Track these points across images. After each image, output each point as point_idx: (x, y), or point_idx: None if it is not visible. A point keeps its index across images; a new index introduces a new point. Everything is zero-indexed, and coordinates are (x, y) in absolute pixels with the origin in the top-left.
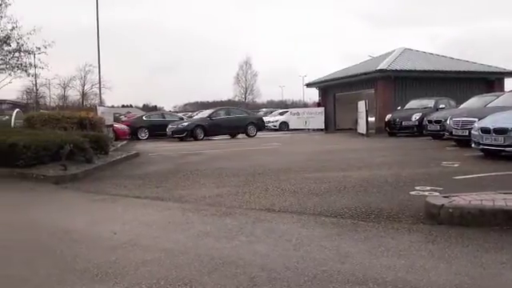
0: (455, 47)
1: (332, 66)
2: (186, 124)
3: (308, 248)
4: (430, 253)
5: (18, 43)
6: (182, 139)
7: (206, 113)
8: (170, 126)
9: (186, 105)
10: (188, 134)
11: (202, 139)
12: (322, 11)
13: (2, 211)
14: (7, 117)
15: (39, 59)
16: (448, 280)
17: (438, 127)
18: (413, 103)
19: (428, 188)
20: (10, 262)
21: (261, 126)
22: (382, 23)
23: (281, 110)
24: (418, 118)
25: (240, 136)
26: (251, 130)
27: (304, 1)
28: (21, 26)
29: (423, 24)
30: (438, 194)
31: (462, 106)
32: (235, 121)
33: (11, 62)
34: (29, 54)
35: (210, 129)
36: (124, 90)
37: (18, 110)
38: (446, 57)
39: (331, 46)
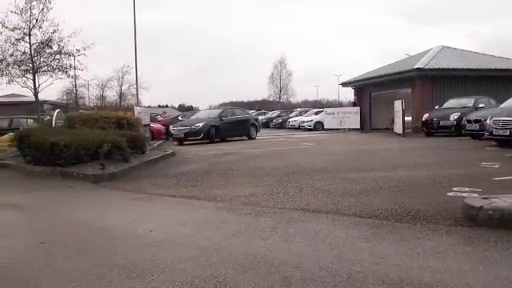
0: (496, 45)
1: (369, 64)
2: (200, 125)
3: (343, 248)
4: (468, 255)
5: (59, 46)
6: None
7: (213, 112)
8: (174, 128)
9: (220, 105)
10: (204, 135)
11: (216, 141)
12: (358, 8)
13: (44, 209)
14: (48, 117)
15: (79, 61)
16: (487, 284)
17: (478, 127)
18: (451, 102)
19: (466, 189)
20: (54, 257)
21: (259, 127)
22: (420, 20)
23: (315, 110)
24: (456, 117)
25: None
26: (253, 131)
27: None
28: (62, 29)
29: (463, 21)
30: (476, 195)
31: (502, 105)
32: (242, 122)
33: (52, 64)
34: (69, 56)
35: (222, 130)
36: (160, 90)
37: (58, 110)
38: (485, 54)
39: (368, 44)
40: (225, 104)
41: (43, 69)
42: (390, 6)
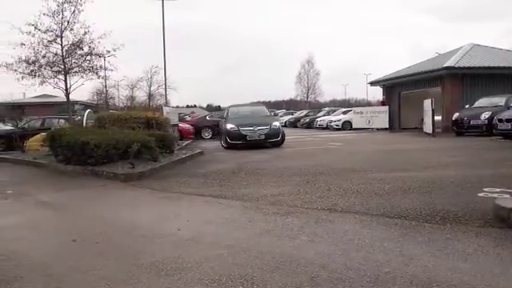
0: None
1: (399, 63)
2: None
3: (370, 249)
4: (499, 257)
5: (89, 47)
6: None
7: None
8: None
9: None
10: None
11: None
12: (388, 7)
13: (75, 207)
14: (79, 117)
15: (109, 62)
16: None
17: (510, 126)
18: (482, 101)
19: (497, 190)
20: (84, 253)
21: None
22: (453, 18)
23: (343, 109)
24: (487, 116)
25: None
26: None
27: None
28: (92, 31)
29: (498, 19)
30: (508, 196)
31: None
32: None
33: (83, 65)
34: (99, 57)
35: None
36: (189, 90)
37: (89, 110)
38: None
39: (399, 42)
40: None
41: (74, 70)
42: (422, 5)
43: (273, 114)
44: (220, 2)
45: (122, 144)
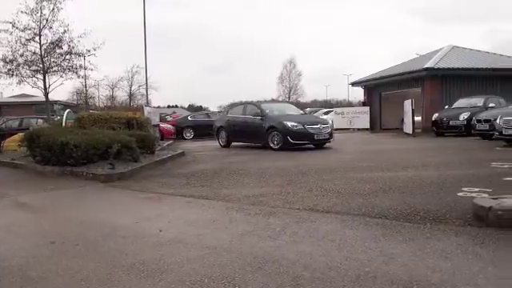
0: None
1: (382, 63)
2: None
3: (352, 248)
4: (478, 256)
5: (69, 46)
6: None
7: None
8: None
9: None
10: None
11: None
12: (371, 7)
13: (54, 208)
14: (59, 117)
15: (89, 61)
16: (496, 285)
17: (488, 127)
18: (461, 102)
19: (476, 189)
20: (63, 256)
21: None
22: (436, 19)
23: (325, 110)
24: (466, 117)
25: None
26: None
27: None
28: (72, 30)
29: (480, 20)
30: (486, 195)
31: None
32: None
33: (63, 64)
34: (79, 56)
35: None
36: (170, 90)
37: (68, 110)
38: (495, 54)
39: (381, 43)
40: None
41: (53, 69)
42: (405, 6)
43: None
44: (203, 3)
45: (102, 144)
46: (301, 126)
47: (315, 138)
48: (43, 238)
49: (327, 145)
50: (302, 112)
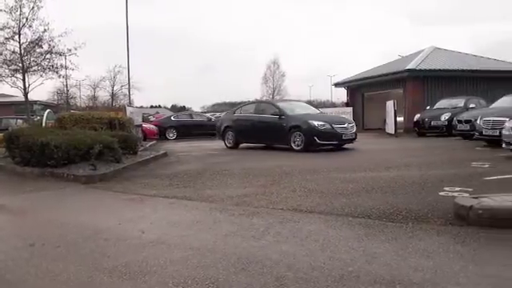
0: (498, 47)
1: (365, 64)
2: None
3: (335, 248)
4: (459, 254)
5: (49, 45)
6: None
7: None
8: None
9: (214, 105)
10: None
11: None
12: (355, 8)
13: (34, 210)
14: (39, 117)
15: (70, 61)
16: (477, 283)
17: (468, 127)
18: (442, 103)
19: (457, 189)
20: (43, 258)
21: None
22: (423, 21)
23: None
24: (447, 117)
25: None
26: None
27: None
28: (53, 29)
29: (465, 22)
30: (467, 194)
31: (492, 105)
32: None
33: (43, 63)
34: (60, 55)
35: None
36: (153, 90)
37: (49, 110)
38: (476, 56)
39: (365, 44)
40: (218, 105)
41: (33, 68)
42: (391, 7)
43: None
44: (188, 4)
45: (84, 145)
46: (328, 126)
47: (343, 137)
48: (22, 241)
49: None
50: (318, 111)
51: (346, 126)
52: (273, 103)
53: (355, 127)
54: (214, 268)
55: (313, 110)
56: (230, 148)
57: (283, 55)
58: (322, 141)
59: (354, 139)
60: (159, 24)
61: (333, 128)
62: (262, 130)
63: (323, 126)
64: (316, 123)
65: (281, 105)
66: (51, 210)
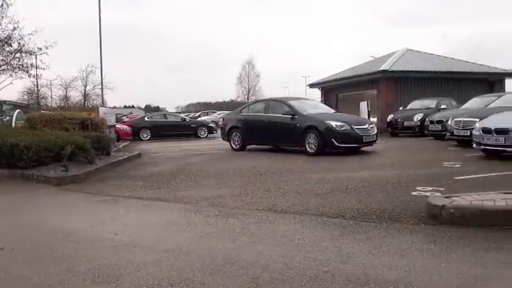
0: (467, 47)
1: (340, 65)
2: None
3: (310, 248)
4: (432, 253)
5: (19, 44)
6: None
7: None
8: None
9: (188, 105)
10: None
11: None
12: (332, 10)
13: (3, 213)
14: (8, 118)
15: (41, 60)
16: (449, 280)
17: (440, 127)
18: (415, 103)
19: (429, 188)
20: (13, 261)
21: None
22: (395, 22)
23: None
24: (419, 118)
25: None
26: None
27: (312, 0)
28: (22, 27)
29: (437, 23)
30: (439, 194)
31: (463, 106)
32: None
33: (12, 62)
34: (30, 54)
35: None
36: (126, 90)
37: (18, 110)
38: (447, 57)
39: (341, 46)
40: (193, 105)
41: (2, 68)
42: (364, 9)
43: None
44: (161, 4)
45: (55, 146)
46: (347, 127)
47: (364, 140)
48: None
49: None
50: (333, 110)
51: (366, 126)
52: (285, 102)
53: (376, 128)
54: (188, 270)
55: (327, 110)
56: (236, 150)
57: (258, 56)
58: (341, 143)
59: (375, 141)
60: (133, 23)
61: (353, 129)
62: (273, 131)
63: (342, 126)
64: (334, 124)
65: (293, 103)
66: (21, 213)
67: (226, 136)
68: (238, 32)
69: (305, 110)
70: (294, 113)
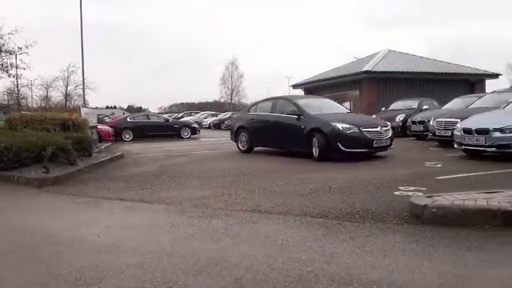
0: (449, 48)
1: (323, 66)
2: None
3: (293, 249)
4: (414, 252)
5: None
6: None
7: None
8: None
9: (171, 106)
10: None
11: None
12: (316, 11)
13: None
14: None
15: (21, 59)
16: (432, 279)
17: (422, 128)
18: (397, 104)
19: (412, 188)
20: None
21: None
22: (377, 23)
23: None
24: (401, 118)
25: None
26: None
27: (295, 2)
28: (2, 26)
29: (419, 24)
30: (421, 194)
31: (445, 106)
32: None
33: None
34: (10, 54)
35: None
36: (108, 91)
37: None
38: (429, 58)
39: (325, 47)
40: (176, 105)
41: None
42: (346, 10)
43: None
44: (144, 3)
45: (36, 147)
46: (355, 129)
47: (374, 144)
48: None
49: (258, 148)
50: (347, 110)
51: (378, 129)
52: (291, 100)
53: (391, 131)
54: (172, 271)
55: (340, 110)
56: (243, 152)
57: (242, 57)
58: (348, 148)
59: (389, 146)
60: (115, 22)
61: (361, 132)
62: (278, 133)
63: (349, 129)
64: (340, 126)
65: (300, 102)
66: (1, 215)
67: (234, 137)
68: (222, 32)
69: (312, 110)
70: (300, 113)
